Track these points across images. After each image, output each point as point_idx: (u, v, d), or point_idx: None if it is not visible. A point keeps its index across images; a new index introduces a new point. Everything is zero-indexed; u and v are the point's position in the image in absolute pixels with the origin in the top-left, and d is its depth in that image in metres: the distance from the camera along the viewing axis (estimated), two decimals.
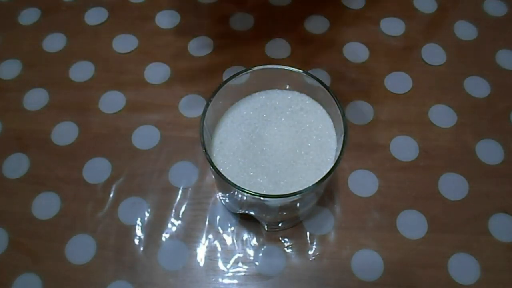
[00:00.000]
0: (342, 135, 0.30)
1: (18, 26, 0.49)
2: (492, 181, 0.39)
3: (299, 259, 0.36)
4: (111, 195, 0.39)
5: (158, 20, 0.49)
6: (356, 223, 0.38)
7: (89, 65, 0.46)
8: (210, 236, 0.37)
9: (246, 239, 0.37)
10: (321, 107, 0.34)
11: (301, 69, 0.32)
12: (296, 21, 0.48)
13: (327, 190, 0.39)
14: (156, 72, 0.45)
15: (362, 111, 0.43)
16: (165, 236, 0.37)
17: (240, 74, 0.32)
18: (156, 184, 0.39)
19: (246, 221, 0.38)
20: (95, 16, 0.49)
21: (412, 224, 0.37)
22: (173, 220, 0.38)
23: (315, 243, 0.37)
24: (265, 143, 0.32)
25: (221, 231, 0.38)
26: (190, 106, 0.43)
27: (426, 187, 0.39)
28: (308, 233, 0.37)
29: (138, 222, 0.38)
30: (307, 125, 0.33)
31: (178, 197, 0.39)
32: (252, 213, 0.35)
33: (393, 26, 0.48)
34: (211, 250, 0.37)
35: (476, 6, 0.49)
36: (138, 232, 0.38)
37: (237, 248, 0.37)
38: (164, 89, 0.44)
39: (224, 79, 0.32)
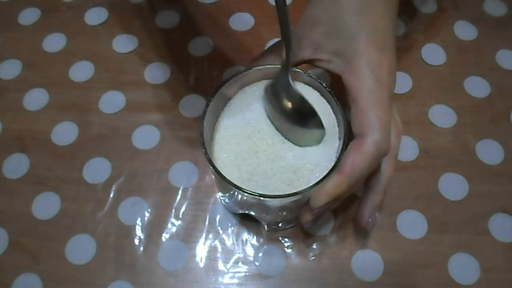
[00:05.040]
0: (343, 135, 0.30)
1: (18, 26, 0.49)
2: (492, 181, 0.39)
3: (299, 259, 0.36)
4: (111, 195, 0.39)
5: (157, 20, 0.49)
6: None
7: (89, 65, 0.46)
8: (210, 236, 0.37)
9: (246, 239, 0.37)
10: (321, 107, 0.33)
11: (301, 69, 0.32)
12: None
13: None
14: (156, 72, 0.45)
15: None
16: (165, 236, 0.37)
17: (240, 74, 0.32)
18: (156, 184, 0.39)
19: (246, 221, 0.38)
20: (95, 16, 0.49)
21: (412, 224, 0.37)
22: (173, 220, 0.38)
23: (315, 243, 0.37)
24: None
25: (221, 231, 0.38)
26: (190, 106, 0.43)
27: (426, 187, 0.39)
28: (308, 233, 0.37)
29: (138, 222, 0.38)
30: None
31: (178, 197, 0.39)
32: (252, 213, 0.35)
33: None
34: (211, 250, 0.37)
35: (476, 6, 0.49)
36: (138, 232, 0.38)
37: (237, 248, 0.37)
38: (164, 89, 0.44)
39: (224, 79, 0.32)
